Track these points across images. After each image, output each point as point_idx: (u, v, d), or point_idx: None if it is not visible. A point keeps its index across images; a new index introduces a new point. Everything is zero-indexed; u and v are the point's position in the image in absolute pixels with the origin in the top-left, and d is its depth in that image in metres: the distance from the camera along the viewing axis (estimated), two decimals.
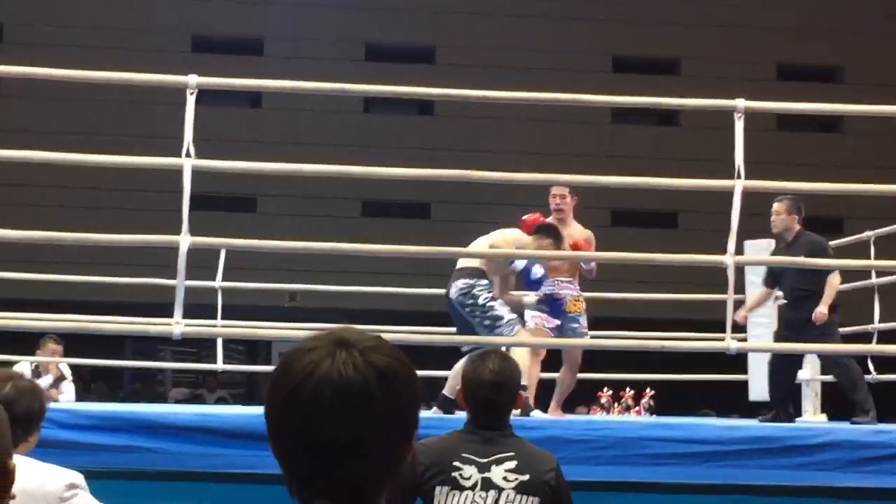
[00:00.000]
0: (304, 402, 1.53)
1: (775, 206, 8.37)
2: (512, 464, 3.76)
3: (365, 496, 1.56)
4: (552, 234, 7.56)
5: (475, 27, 22.78)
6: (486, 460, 3.75)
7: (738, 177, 5.92)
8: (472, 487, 3.72)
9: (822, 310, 7.90)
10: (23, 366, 9.84)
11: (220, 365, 9.55)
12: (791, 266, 7.87)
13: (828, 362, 8.31)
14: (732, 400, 13.11)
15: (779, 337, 8.68)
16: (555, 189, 8.10)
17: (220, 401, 19.52)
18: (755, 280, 9.58)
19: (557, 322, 7.81)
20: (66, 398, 10.13)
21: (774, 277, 8.53)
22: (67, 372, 10.47)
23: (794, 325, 8.13)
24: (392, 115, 22.68)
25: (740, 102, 6.04)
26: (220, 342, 9.43)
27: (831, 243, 9.36)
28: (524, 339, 7.22)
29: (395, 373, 1.57)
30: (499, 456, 3.77)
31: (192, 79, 5.62)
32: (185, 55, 21.86)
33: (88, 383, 19.36)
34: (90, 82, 6.41)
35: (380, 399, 1.54)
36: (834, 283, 7.95)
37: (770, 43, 23.02)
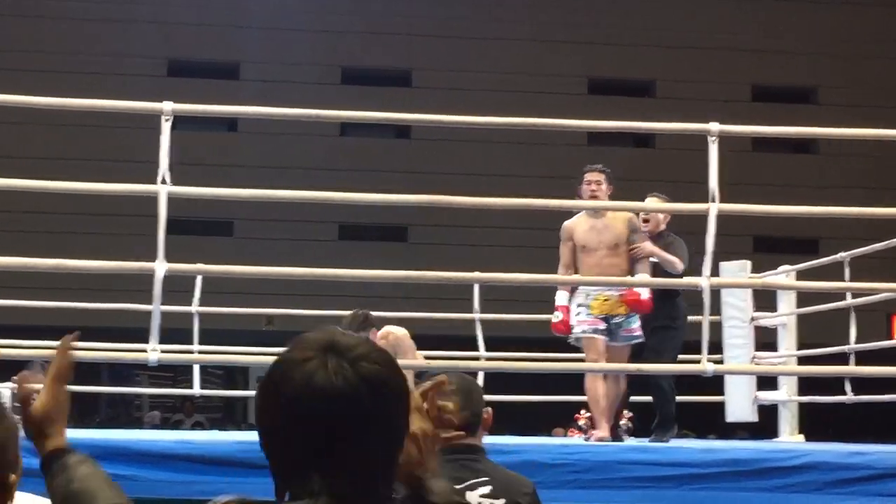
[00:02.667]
0: (301, 413, 1.62)
1: (647, 199, 8.07)
2: (487, 489, 3.72)
3: (359, 497, 1.63)
4: None
5: (451, 50, 22.83)
6: (460, 486, 3.70)
7: (713, 200, 5.94)
8: None
9: (646, 245, 7.55)
10: (4, 391, 9.81)
11: (196, 390, 9.53)
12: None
13: (647, 381, 7.85)
14: (710, 420, 13.15)
15: None
16: (588, 176, 7.93)
17: (197, 425, 19.43)
18: (730, 301, 9.62)
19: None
20: None
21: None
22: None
23: (646, 324, 7.59)
24: (369, 139, 22.70)
25: (714, 126, 6.04)
26: (196, 367, 9.40)
27: (808, 264, 9.40)
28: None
29: (383, 381, 1.65)
30: (473, 481, 3.72)
31: (167, 105, 5.61)
32: (162, 80, 21.84)
33: None
34: (66, 109, 6.38)
35: (370, 407, 1.62)
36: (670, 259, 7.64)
37: (745, 65, 23.14)
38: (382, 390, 1.64)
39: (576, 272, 7.58)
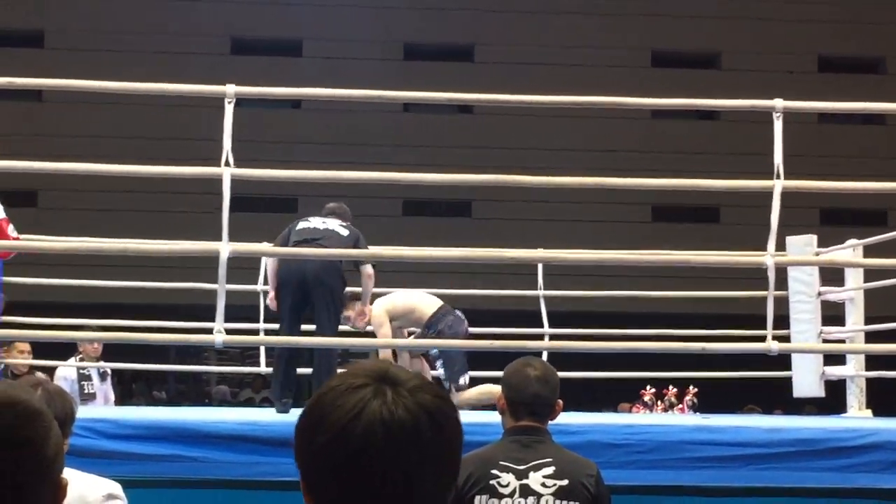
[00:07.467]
0: (354, 443, 1.47)
1: None
2: (550, 469, 3.75)
3: None
4: None
5: (513, 24, 22.76)
6: (523, 467, 3.75)
7: (778, 176, 5.88)
8: (511, 495, 3.72)
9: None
10: (67, 368, 9.95)
11: (263, 368, 9.62)
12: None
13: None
14: (777, 395, 13.06)
15: None
16: None
17: (264, 402, 19.57)
18: (797, 276, 9.53)
19: None
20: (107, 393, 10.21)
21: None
22: (108, 368, 10.52)
23: None
24: (431, 115, 22.69)
25: (779, 102, 5.99)
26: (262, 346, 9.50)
27: (875, 238, 9.26)
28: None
29: (444, 413, 1.53)
30: (536, 462, 3.76)
31: (231, 88, 5.64)
32: (225, 58, 21.96)
33: (129, 383, 19.45)
34: (132, 92, 6.44)
35: (430, 439, 1.50)
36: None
37: (811, 35, 22.87)
38: (443, 424, 1.52)
39: None
